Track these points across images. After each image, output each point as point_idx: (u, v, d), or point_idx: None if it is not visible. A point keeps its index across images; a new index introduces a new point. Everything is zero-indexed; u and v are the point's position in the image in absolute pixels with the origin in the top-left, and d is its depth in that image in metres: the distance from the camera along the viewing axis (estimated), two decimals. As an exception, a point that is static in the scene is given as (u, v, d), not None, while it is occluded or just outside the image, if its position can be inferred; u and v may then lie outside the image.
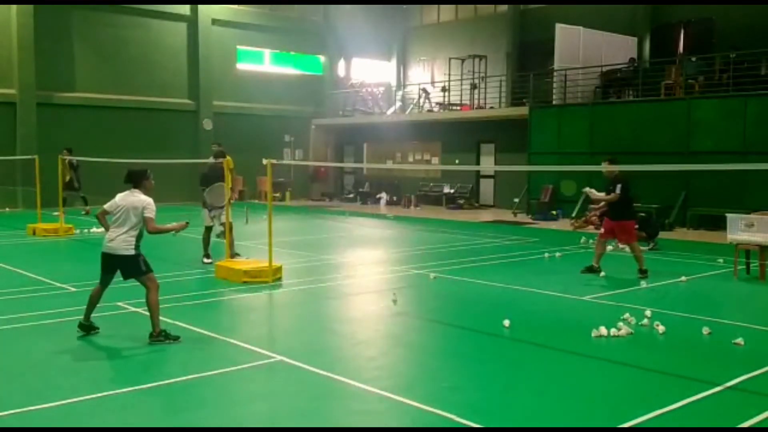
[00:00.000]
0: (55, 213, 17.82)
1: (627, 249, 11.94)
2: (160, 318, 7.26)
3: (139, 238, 7.17)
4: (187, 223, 7.35)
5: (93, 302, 7.42)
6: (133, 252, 7.11)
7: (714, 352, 7.04)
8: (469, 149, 26.05)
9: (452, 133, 26.41)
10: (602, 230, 11.34)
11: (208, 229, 12.12)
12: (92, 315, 7.45)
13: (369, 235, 17.85)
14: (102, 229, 17.02)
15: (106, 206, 7.31)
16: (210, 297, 9.56)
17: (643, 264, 10.92)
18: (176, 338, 7.12)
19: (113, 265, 7.24)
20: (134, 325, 7.95)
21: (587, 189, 11.90)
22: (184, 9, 26.82)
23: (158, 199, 7.52)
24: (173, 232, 7.49)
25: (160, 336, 7.07)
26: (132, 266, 7.19)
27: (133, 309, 8.59)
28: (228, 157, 12.96)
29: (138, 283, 7.32)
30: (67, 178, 20.27)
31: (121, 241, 7.09)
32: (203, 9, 27.09)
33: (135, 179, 7.28)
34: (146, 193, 7.22)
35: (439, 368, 6.60)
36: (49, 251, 14.18)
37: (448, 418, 5.12)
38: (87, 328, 7.38)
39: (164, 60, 26.63)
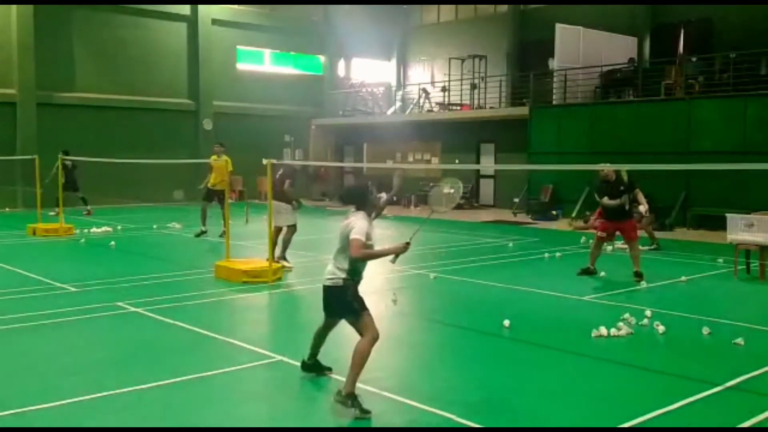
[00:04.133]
0: (51, 213, 17.86)
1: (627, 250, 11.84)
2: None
3: (351, 267, 5.65)
4: (408, 244, 5.80)
5: (317, 338, 6.08)
6: (340, 283, 5.63)
7: (714, 352, 7.04)
8: (469, 149, 26.04)
9: (452, 133, 26.41)
10: (602, 233, 11.19)
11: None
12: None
13: (369, 235, 17.82)
14: (102, 229, 17.16)
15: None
16: (210, 297, 9.55)
17: (639, 266, 10.81)
18: (366, 412, 5.20)
19: (326, 300, 5.79)
20: (134, 325, 7.96)
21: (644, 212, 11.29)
22: (184, 9, 26.82)
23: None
24: (392, 256, 5.83)
25: (349, 398, 5.26)
26: (340, 301, 5.66)
27: (133, 309, 8.59)
28: (227, 158, 13.04)
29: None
30: (62, 180, 20.18)
31: (329, 270, 5.70)
32: (203, 9, 27.09)
33: (356, 201, 5.75)
34: (369, 213, 5.75)
35: (439, 368, 6.60)
36: (49, 251, 14.17)
37: (448, 418, 5.12)
38: (310, 367, 6.08)
39: (164, 60, 26.63)
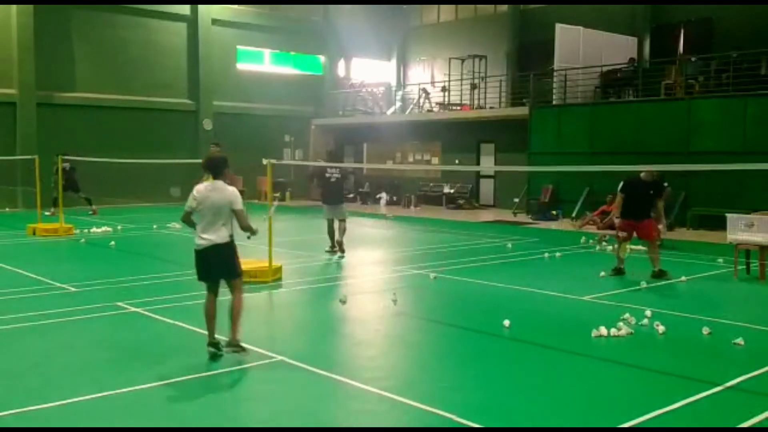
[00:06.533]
0: (47, 213, 17.97)
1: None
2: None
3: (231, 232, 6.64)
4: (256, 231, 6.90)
5: (210, 317, 6.67)
6: (228, 239, 6.56)
7: (714, 352, 7.04)
8: (469, 149, 26.05)
9: (452, 133, 26.41)
10: (623, 233, 10.95)
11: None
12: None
13: (369, 235, 17.84)
14: (102, 229, 17.17)
15: (188, 206, 6.60)
16: (210, 297, 9.54)
17: (659, 264, 10.85)
18: (244, 349, 6.63)
19: (214, 260, 6.54)
20: (134, 325, 7.96)
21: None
22: (184, 9, 26.82)
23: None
24: (252, 232, 6.85)
25: (239, 346, 6.58)
26: (231, 260, 6.60)
27: (134, 309, 8.59)
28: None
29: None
30: (62, 182, 20.15)
31: (218, 236, 6.51)
32: (203, 9, 27.08)
33: (216, 169, 6.60)
34: (228, 184, 6.68)
35: (439, 368, 6.60)
36: (49, 251, 14.17)
37: (448, 418, 5.12)
38: (216, 345, 6.59)
39: (164, 60, 26.63)
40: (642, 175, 10.92)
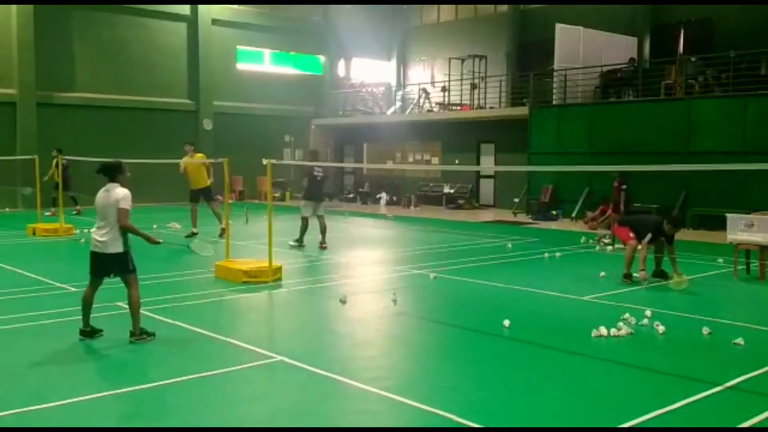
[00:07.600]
0: (48, 213, 17.97)
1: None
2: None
3: (125, 234, 7.05)
4: (160, 242, 7.47)
5: (87, 305, 7.22)
6: (121, 249, 7.01)
7: (714, 352, 7.04)
8: (469, 149, 26.05)
9: (452, 133, 26.42)
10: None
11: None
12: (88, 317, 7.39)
13: (369, 235, 17.84)
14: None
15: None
16: (210, 297, 9.56)
17: (661, 264, 10.88)
18: (152, 334, 7.18)
19: (103, 264, 7.07)
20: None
21: None
22: (184, 9, 26.82)
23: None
24: (146, 240, 7.29)
25: (143, 333, 7.11)
26: (121, 264, 7.06)
27: (133, 309, 8.57)
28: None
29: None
30: (60, 180, 20.07)
31: (108, 239, 6.96)
32: (203, 9, 27.09)
33: (110, 172, 7.17)
34: (123, 186, 7.18)
35: (439, 368, 6.60)
36: (49, 251, 14.17)
37: (448, 418, 5.12)
38: (89, 333, 7.18)
39: (164, 60, 26.63)
40: (667, 227, 10.54)
